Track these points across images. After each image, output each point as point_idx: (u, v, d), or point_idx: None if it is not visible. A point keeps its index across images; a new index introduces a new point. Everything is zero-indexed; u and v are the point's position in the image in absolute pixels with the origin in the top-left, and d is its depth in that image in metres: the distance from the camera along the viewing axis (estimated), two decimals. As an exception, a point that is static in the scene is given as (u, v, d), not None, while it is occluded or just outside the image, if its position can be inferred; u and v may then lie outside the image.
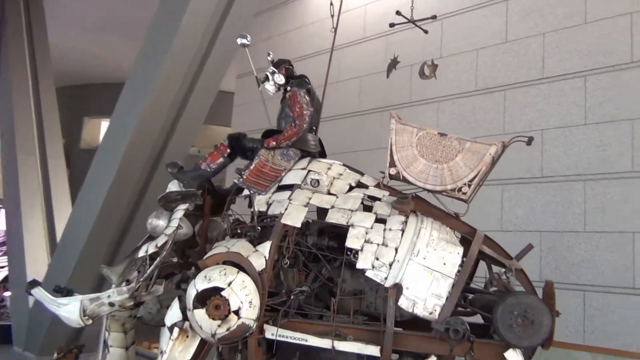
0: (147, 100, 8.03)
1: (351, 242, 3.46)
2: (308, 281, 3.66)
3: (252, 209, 3.90)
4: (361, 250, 3.41)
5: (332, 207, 3.64)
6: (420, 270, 3.30)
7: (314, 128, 4.19)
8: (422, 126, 3.79)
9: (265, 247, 3.51)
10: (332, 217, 3.59)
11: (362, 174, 3.93)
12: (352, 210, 3.59)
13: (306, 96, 4.05)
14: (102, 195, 8.11)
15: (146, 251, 3.83)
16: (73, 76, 17.50)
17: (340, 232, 3.94)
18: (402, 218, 3.52)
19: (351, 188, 3.81)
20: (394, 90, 8.84)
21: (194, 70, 8.32)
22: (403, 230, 3.43)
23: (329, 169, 3.90)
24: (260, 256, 3.48)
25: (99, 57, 16.04)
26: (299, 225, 3.58)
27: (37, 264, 10.29)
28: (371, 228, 3.48)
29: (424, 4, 7.88)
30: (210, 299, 3.27)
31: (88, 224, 8.13)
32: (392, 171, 3.78)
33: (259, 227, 3.72)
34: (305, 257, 3.73)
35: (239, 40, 4.24)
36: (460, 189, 3.66)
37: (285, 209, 3.63)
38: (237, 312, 3.26)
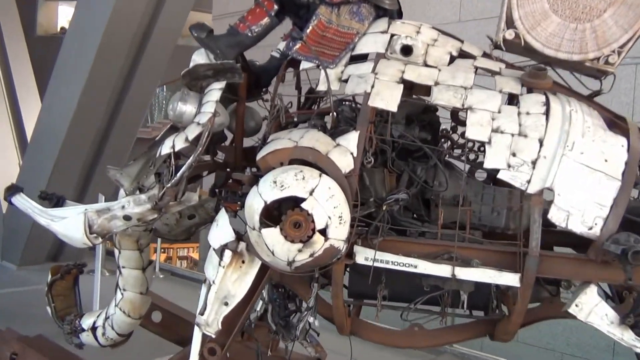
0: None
1: (473, 131, 2.38)
2: (401, 185, 2.61)
3: (315, 88, 2.75)
4: (489, 142, 2.35)
5: (437, 83, 2.52)
6: (578, 169, 2.27)
7: (388, -23, 2.95)
8: (559, -31, 2.62)
9: (351, 140, 2.40)
10: (440, 97, 2.48)
11: (461, 41, 2.79)
12: (465, 88, 2.49)
13: None
14: (80, 85, 6.73)
15: (172, 146, 2.68)
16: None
17: (431, 119, 2.88)
18: (542, 98, 2.44)
19: (452, 59, 2.67)
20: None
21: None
22: (547, 115, 2.37)
23: (417, 32, 2.74)
24: (344, 152, 2.38)
25: None
26: (394, 108, 2.47)
27: (6, 164, 8.90)
28: (499, 112, 2.40)
29: None
30: (287, 213, 2.20)
31: (65, 118, 6.79)
32: (509, 35, 2.64)
33: (334, 114, 2.59)
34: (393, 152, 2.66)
35: None
36: (606, 58, 2.59)
37: (372, 87, 2.50)
38: (323, 232, 2.21)
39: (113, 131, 7.16)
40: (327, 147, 2.38)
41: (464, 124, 3.05)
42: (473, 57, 2.70)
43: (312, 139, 2.42)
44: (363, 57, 2.76)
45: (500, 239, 2.61)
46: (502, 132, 2.35)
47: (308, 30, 2.79)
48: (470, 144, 3.03)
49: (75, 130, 6.73)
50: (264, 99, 3.18)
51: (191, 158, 2.61)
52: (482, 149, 2.96)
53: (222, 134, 3.22)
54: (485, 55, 2.75)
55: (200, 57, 2.87)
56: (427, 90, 2.78)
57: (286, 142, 2.44)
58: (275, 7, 2.85)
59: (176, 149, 2.65)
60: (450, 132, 3.05)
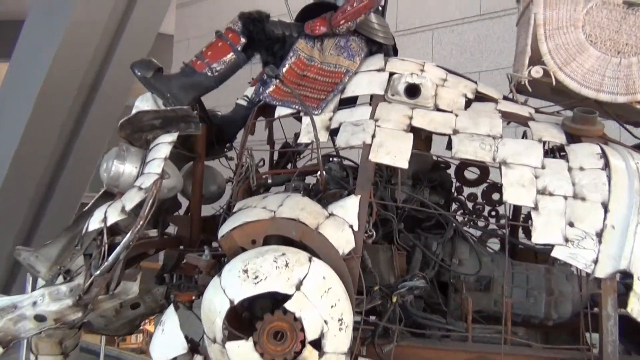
0: (62, 38, 6.01)
1: (513, 194, 1.78)
2: (413, 267, 1.96)
3: (295, 141, 2.13)
4: (535, 208, 1.75)
5: (455, 132, 1.94)
6: (659, 243, 1.70)
7: (380, 7, 2.41)
8: (595, -8, 2.13)
9: (349, 208, 1.76)
10: (463, 150, 1.88)
11: (474, 82, 2.24)
12: (494, 138, 1.91)
13: None
14: (12, 145, 5.98)
15: (103, 220, 1.98)
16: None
17: (442, 178, 2.29)
18: (596, 148, 1.88)
19: (469, 102, 2.12)
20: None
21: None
22: (607, 170, 1.80)
23: (421, 70, 2.18)
24: (341, 225, 1.73)
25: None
26: (405, 164, 1.85)
27: None
28: (542, 168, 1.82)
29: None
30: (263, 318, 1.51)
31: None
32: (536, 72, 2.11)
33: (324, 173, 1.95)
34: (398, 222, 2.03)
35: None
36: (659, 100, 2.08)
37: (373, 137, 1.89)
38: (316, 343, 1.53)
39: (53, 198, 6.35)
40: (317, 219, 1.73)
41: (471, 183, 2.51)
42: (494, 100, 2.14)
43: (296, 207, 1.77)
44: (353, 101, 2.18)
45: (533, 332, 2.01)
46: (551, 195, 1.76)
47: (284, 69, 2.21)
48: (479, 207, 2.49)
49: (5, 197, 5.90)
50: (227, 157, 2.55)
51: (129, 235, 1.91)
52: (493, 213, 2.44)
53: (174, 200, 2.55)
54: (506, 98, 2.21)
55: (144, 103, 2.22)
56: (427, 141, 2.22)
57: (259, 211, 1.78)
58: (242, 40, 2.26)
59: (109, 223, 1.95)
60: (455, 193, 2.48)
